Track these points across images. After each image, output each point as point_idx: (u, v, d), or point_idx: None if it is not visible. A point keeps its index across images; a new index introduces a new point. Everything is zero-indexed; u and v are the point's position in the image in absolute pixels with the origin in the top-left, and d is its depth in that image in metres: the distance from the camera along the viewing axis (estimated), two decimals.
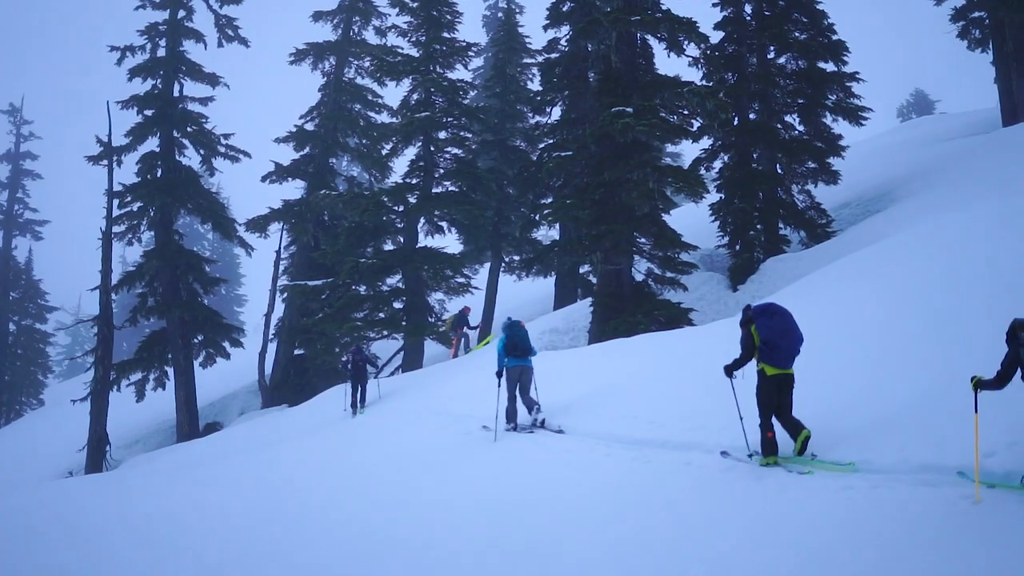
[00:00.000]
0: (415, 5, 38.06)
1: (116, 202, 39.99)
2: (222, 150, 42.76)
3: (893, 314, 14.65)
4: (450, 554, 11.05)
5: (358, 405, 26.23)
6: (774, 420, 11.32)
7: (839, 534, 8.55)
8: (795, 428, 11.11)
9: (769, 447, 11.14)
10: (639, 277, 29.66)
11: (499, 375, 17.61)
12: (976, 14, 41.34)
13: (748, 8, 35.20)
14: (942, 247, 18.11)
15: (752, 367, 11.70)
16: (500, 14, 55.87)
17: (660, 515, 10.56)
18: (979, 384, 8.81)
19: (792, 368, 11.46)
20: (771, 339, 11.32)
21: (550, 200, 35.57)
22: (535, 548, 10.52)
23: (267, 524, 14.21)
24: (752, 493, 10.35)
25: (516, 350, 17.33)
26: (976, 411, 8.76)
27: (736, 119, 33.74)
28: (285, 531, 13.54)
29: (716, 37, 34.13)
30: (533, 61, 44.39)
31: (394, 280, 37.81)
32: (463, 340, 36.02)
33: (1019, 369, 8.45)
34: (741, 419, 11.66)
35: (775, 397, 11.31)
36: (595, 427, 15.36)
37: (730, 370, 11.81)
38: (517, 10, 50.63)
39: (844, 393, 12.41)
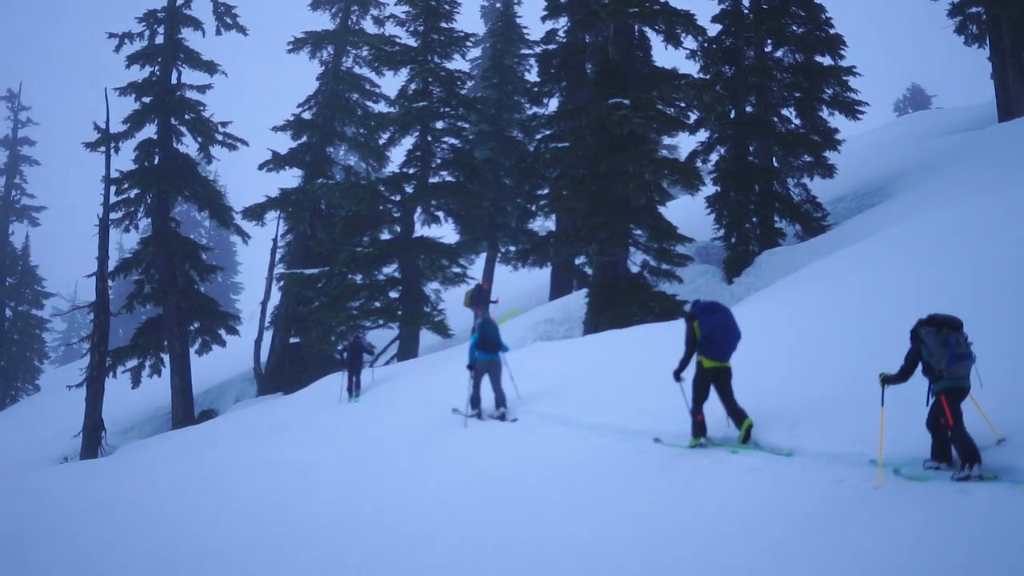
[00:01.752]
0: None
1: (113, 189, 40.02)
2: (220, 138, 42.80)
3: (885, 308, 14.77)
4: (447, 542, 11.16)
5: (353, 391, 26.46)
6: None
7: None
8: (739, 416, 12.02)
9: (698, 429, 12.28)
10: (635, 269, 29.73)
11: (471, 368, 18.49)
12: (973, 9, 41.42)
13: (746, 1, 35.23)
14: (933, 243, 18.27)
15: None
16: (498, 4, 55.96)
17: (656, 507, 10.67)
18: (886, 380, 9.68)
19: (729, 362, 12.39)
20: (711, 334, 12.31)
21: (546, 191, 35.66)
22: (527, 545, 10.62)
23: (265, 508, 14.31)
24: (736, 486, 10.48)
25: (486, 344, 18.26)
26: (883, 405, 9.58)
27: (733, 112, 33.85)
28: (283, 514, 13.64)
29: (714, 30, 34.23)
30: (531, 52, 44.40)
31: (390, 269, 37.85)
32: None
33: (920, 363, 9.42)
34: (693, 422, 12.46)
35: (708, 387, 12.37)
36: (589, 418, 15.43)
37: (678, 374, 12.70)
38: (515, 1, 50.57)
39: (817, 382, 12.62)
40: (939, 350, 9.14)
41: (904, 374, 9.61)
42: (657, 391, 14.16)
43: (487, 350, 18.34)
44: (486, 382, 18.38)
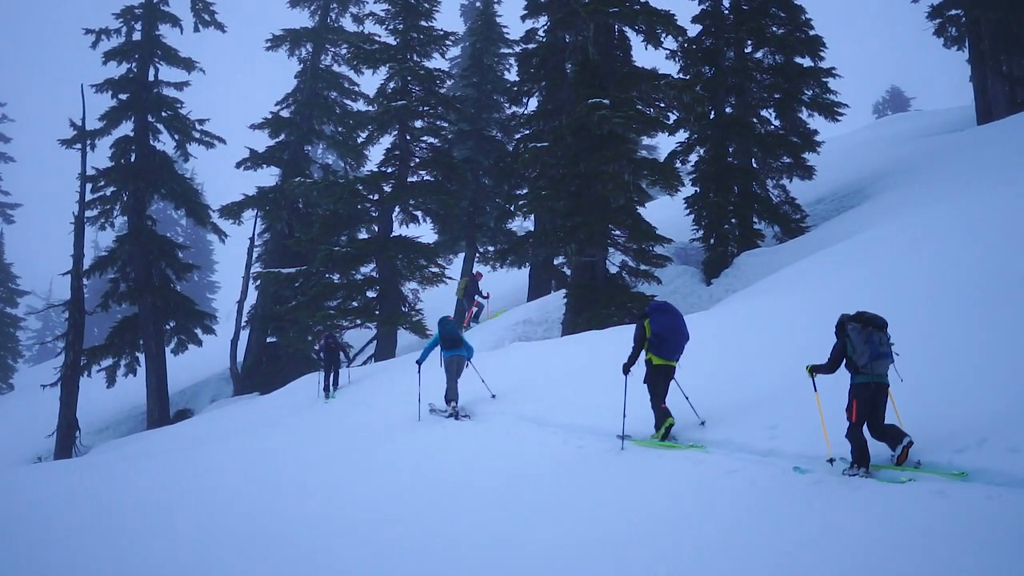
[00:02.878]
0: None
1: (89, 186, 39.74)
2: (197, 136, 42.52)
3: (864, 310, 14.76)
4: (430, 544, 11.02)
5: (330, 389, 26.66)
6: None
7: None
8: (663, 415, 12.92)
9: (662, 416, 12.92)
10: (613, 269, 29.67)
11: (418, 363, 19.87)
12: (952, 12, 41.55)
13: (726, 1, 35.20)
14: (912, 245, 18.29)
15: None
16: (478, 3, 55.75)
17: (637, 509, 10.57)
18: (813, 369, 10.46)
19: (676, 361, 13.23)
20: (661, 333, 13.07)
21: (525, 191, 35.50)
22: (506, 546, 10.51)
23: (245, 507, 14.16)
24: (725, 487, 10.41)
25: (447, 342, 19.22)
26: (816, 390, 10.44)
27: (712, 113, 33.80)
28: (256, 514, 13.49)
29: (694, 30, 34.15)
30: (510, 51, 44.40)
31: (368, 269, 37.72)
32: (478, 310, 35.94)
33: (845, 358, 10.09)
34: (625, 417, 13.33)
35: (662, 382, 13.12)
36: (568, 419, 15.42)
37: (627, 368, 13.46)
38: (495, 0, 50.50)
39: (795, 384, 12.57)
40: (862, 346, 9.88)
41: (832, 366, 10.25)
42: (634, 392, 14.09)
43: (448, 347, 19.22)
44: (454, 377, 19.15)
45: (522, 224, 50.22)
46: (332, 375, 27.16)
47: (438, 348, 19.64)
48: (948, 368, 10.95)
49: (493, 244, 42.01)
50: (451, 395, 18.83)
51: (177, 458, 20.81)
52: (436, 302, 40.98)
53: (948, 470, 9.07)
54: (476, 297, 35.09)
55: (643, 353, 13.35)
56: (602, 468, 12.50)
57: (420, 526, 11.57)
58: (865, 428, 9.90)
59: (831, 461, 9.95)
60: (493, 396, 19.26)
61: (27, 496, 18.32)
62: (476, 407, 18.72)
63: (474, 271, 36.94)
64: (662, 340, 13.05)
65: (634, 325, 13.76)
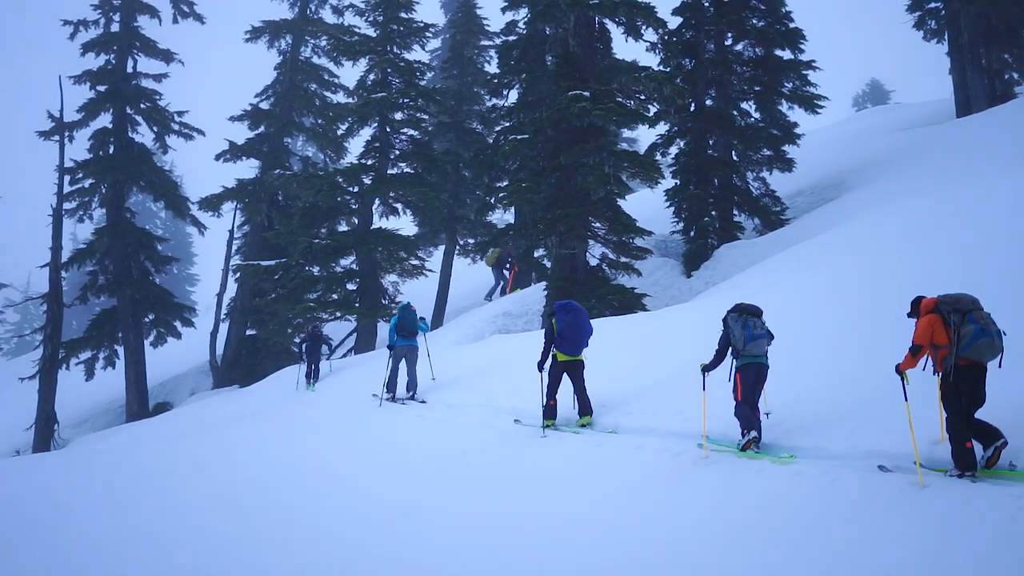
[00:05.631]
0: None
1: (67, 178, 39.61)
2: (176, 127, 42.40)
3: (837, 304, 14.91)
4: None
5: (311, 380, 26.90)
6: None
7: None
8: (584, 410, 14.36)
9: (549, 412, 14.40)
10: (593, 262, 29.66)
11: (390, 348, 20.61)
12: (932, 4, 41.73)
13: None
14: (888, 238, 18.40)
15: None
16: None
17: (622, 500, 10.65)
18: (704, 368, 11.74)
19: (581, 356, 14.61)
20: (564, 331, 14.36)
21: (505, 183, 35.43)
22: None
23: (217, 502, 14.12)
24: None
25: (404, 331, 20.18)
26: (704, 390, 11.74)
27: (692, 105, 33.85)
28: (234, 507, 13.45)
29: (674, 22, 34.17)
30: (491, 43, 44.27)
31: (348, 261, 37.61)
32: (503, 284, 36.25)
33: (730, 346, 11.45)
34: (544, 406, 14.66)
35: (559, 377, 14.56)
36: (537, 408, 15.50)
37: (541, 366, 14.67)
38: None
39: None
40: (739, 331, 11.28)
41: (718, 358, 11.59)
42: (612, 383, 14.24)
43: (405, 336, 20.16)
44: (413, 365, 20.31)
45: (502, 216, 50.17)
46: (314, 365, 27.36)
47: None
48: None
49: (473, 236, 41.95)
50: (392, 386, 20.11)
51: (146, 451, 20.74)
52: (416, 294, 40.92)
53: (778, 453, 10.49)
54: (506, 268, 35.78)
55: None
56: (581, 456, 12.59)
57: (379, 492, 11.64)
58: None
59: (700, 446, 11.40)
60: (433, 379, 20.95)
61: (4, 489, 18.22)
62: (456, 398, 18.81)
63: (506, 243, 36.94)
64: (564, 338, 14.33)
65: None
